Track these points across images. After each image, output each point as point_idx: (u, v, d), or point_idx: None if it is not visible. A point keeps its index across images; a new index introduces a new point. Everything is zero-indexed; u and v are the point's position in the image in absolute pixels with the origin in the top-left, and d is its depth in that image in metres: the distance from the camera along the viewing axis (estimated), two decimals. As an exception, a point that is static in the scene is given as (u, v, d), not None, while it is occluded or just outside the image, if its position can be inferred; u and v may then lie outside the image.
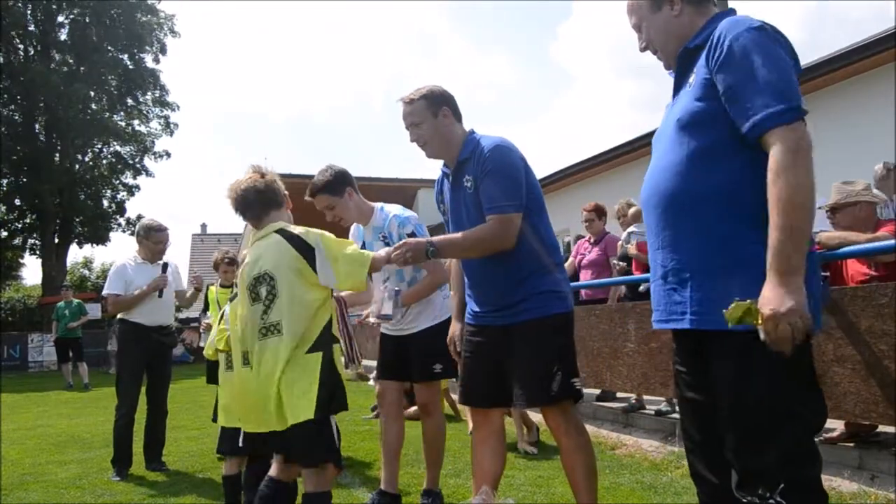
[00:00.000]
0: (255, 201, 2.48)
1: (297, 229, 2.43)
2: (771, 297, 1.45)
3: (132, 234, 25.48)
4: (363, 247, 3.32)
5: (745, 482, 1.57)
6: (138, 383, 4.63)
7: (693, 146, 1.66)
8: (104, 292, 4.65)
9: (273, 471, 2.40)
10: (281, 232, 2.41)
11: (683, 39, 1.76)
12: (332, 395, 2.32)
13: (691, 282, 1.66)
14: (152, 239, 4.70)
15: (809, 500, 1.55)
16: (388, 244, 3.20)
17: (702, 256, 1.65)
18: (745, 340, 1.55)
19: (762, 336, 1.46)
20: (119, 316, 4.65)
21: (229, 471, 3.24)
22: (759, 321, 1.46)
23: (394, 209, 3.29)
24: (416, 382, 3.35)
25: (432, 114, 2.57)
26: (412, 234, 3.12)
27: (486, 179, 2.44)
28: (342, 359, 2.58)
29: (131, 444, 4.52)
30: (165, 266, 4.74)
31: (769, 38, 1.57)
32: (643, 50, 1.87)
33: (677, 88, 1.79)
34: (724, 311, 1.50)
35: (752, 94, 1.53)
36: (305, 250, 2.36)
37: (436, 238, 2.55)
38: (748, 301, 1.48)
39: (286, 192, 2.61)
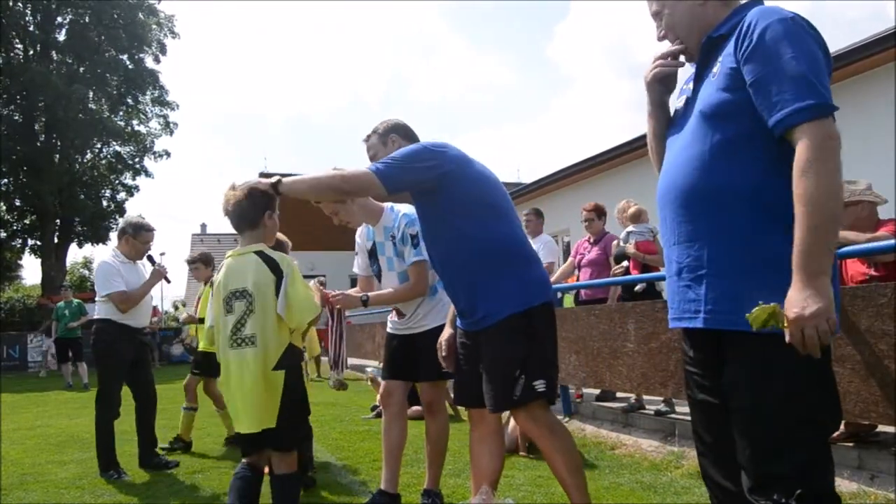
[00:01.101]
0: (233, 217, 2.72)
1: (274, 254, 2.67)
2: (796, 300, 1.41)
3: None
4: (374, 247, 3.39)
5: (758, 487, 1.53)
6: (121, 385, 4.61)
7: (716, 139, 1.60)
8: (107, 292, 4.49)
9: (248, 458, 2.73)
10: (259, 254, 2.64)
11: (706, 29, 1.70)
12: (292, 408, 2.63)
13: (707, 279, 1.61)
14: (141, 238, 4.67)
15: None
16: (395, 244, 3.23)
17: (720, 254, 1.59)
18: (763, 343, 1.51)
19: (787, 339, 1.42)
20: (103, 317, 4.56)
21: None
22: (784, 324, 1.42)
23: (404, 208, 3.30)
24: (423, 382, 3.36)
25: (382, 144, 2.89)
26: (415, 235, 3.14)
27: None
28: (328, 365, 2.70)
29: (115, 444, 4.52)
30: (151, 258, 4.79)
31: (801, 31, 1.52)
32: (661, 39, 1.82)
33: (698, 78, 1.72)
34: (746, 314, 1.46)
35: (780, 87, 1.47)
36: (277, 273, 2.60)
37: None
38: (773, 304, 1.44)
39: (269, 207, 2.71)
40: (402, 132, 2.90)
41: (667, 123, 1.88)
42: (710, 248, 1.60)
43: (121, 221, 5.02)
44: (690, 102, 1.73)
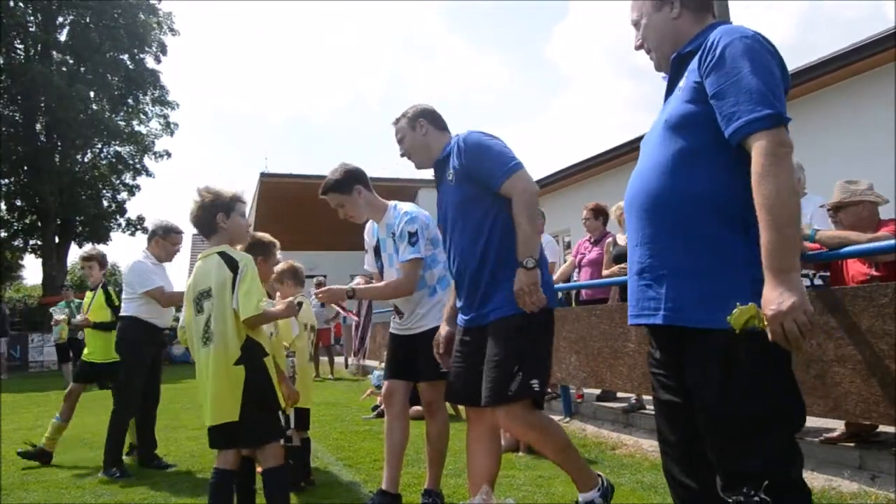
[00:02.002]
0: (195, 226, 2.88)
1: (235, 253, 2.78)
2: (771, 298, 1.47)
3: (132, 234, 25.54)
4: (377, 244, 3.42)
5: (729, 484, 1.58)
6: (142, 384, 4.69)
7: (680, 146, 1.70)
8: (147, 289, 4.54)
9: (219, 461, 2.77)
10: (221, 254, 2.76)
11: (678, 43, 1.81)
12: (256, 402, 2.66)
13: (667, 279, 1.69)
14: (170, 240, 4.79)
15: (794, 497, 1.57)
16: (395, 241, 3.24)
17: (680, 254, 1.68)
18: (725, 340, 1.56)
19: (770, 337, 1.48)
20: (130, 314, 4.64)
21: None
22: (764, 323, 1.48)
23: (406, 206, 3.34)
24: (423, 382, 3.36)
25: (411, 127, 2.90)
26: (414, 233, 3.14)
27: (474, 162, 2.60)
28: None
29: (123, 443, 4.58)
30: None
31: (760, 48, 1.62)
32: (638, 48, 1.92)
33: (669, 92, 1.83)
34: (727, 317, 1.52)
35: (738, 99, 1.58)
36: (234, 270, 2.71)
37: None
38: (750, 304, 1.50)
39: (222, 210, 2.83)
40: (429, 117, 2.92)
41: None
42: (671, 249, 1.69)
43: (151, 224, 5.05)
44: (661, 113, 1.83)
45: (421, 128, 2.88)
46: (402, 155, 2.96)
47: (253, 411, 2.65)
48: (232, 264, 2.71)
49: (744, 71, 1.58)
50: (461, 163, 2.63)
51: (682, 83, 1.75)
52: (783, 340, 1.46)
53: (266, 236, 3.47)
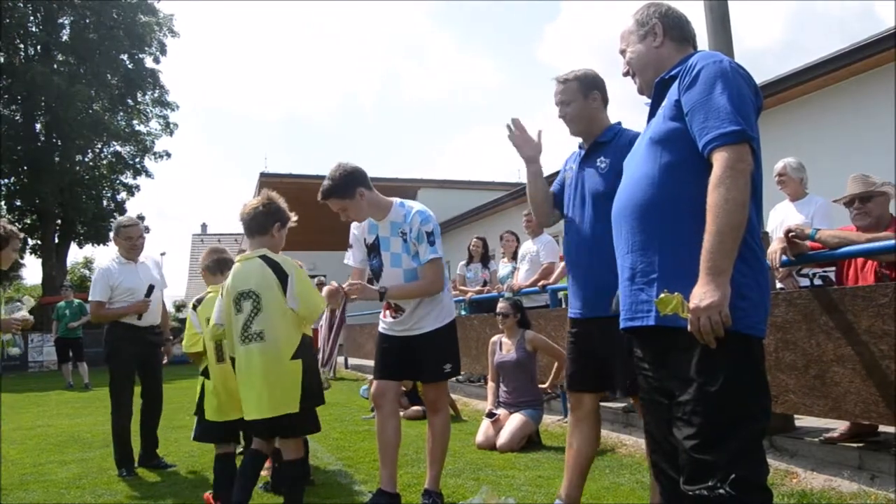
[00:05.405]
0: (246, 222, 3.00)
1: (277, 257, 2.92)
2: (696, 293, 1.61)
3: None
4: (377, 241, 3.34)
5: (694, 477, 1.66)
6: (132, 384, 4.66)
7: (665, 159, 1.82)
8: (89, 298, 4.59)
9: (255, 444, 3.00)
10: (263, 258, 2.90)
11: (660, 70, 1.94)
12: (311, 394, 2.87)
13: (658, 282, 1.78)
14: (122, 235, 4.69)
15: (757, 495, 1.65)
16: (405, 240, 3.21)
17: (670, 259, 1.78)
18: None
19: (688, 327, 1.62)
20: None
21: (223, 450, 3.46)
22: (685, 313, 1.62)
23: (416, 205, 3.31)
24: (427, 383, 3.36)
25: (583, 95, 2.81)
26: (431, 233, 3.15)
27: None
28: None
29: (130, 442, 4.56)
30: (151, 289, 4.62)
31: (733, 72, 1.76)
32: (625, 75, 2.07)
33: (651, 114, 1.96)
34: (654, 299, 1.66)
35: (708, 116, 1.71)
36: (281, 276, 2.85)
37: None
38: (676, 294, 1.63)
39: (280, 220, 3.01)
40: (603, 91, 2.86)
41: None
42: (660, 255, 1.80)
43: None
44: (644, 133, 1.97)
45: (594, 101, 2.83)
46: (561, 117, 2.89)
47: (307, 402, 2.84)
48: (277, 269, 2.86)
49: (716, 91, 1.71)
50: (618, 159, 2.68)
51: (664, 103, 1.88)
52: (697, 332, 1.61)
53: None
